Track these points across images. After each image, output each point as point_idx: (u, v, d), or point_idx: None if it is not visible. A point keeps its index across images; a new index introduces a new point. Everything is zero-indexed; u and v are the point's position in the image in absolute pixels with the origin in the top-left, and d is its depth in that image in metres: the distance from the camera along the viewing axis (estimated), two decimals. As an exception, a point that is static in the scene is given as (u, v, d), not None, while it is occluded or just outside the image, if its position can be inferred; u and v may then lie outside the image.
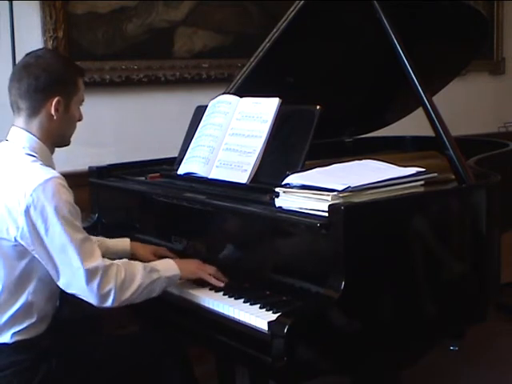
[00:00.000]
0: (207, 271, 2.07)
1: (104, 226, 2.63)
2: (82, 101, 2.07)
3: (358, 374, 1.94)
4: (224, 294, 1.99)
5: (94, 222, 2.66)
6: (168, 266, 2.04)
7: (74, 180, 2.92)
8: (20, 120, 2.00)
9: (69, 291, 1.92)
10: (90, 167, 2.70)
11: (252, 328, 1.80)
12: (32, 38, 3.03)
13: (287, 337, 1.65)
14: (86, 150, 3.12)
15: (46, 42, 3.06)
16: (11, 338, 1.95)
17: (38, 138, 1.99)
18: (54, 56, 2.07)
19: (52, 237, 1.86)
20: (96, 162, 2.78)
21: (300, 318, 1.69)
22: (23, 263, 1.92)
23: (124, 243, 2.34)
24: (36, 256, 1.89)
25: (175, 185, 2.41)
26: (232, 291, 1.99)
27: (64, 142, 2.09)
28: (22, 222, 1.85)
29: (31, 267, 1.93)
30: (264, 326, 1.76)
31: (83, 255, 1.86)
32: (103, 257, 1.93)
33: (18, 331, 1.95)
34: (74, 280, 1.87)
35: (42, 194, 1.85)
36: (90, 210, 2.70)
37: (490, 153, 2.60)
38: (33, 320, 1.96)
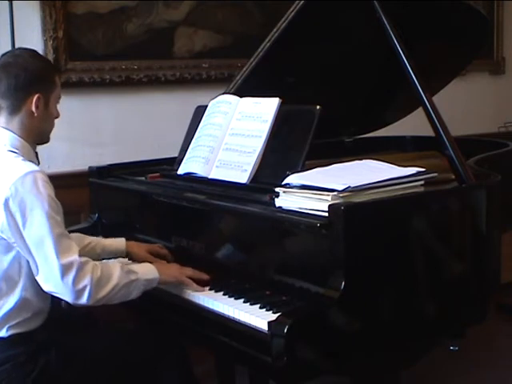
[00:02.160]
0: (187, 274, 2.07)
1: (104, 226, 2.63)
2: (59, 98, 2.13)
3: (358, 373, 1.94)
4: (224, 294, 1.99)
5: (93, 221, 2.66)
6: (147, 269, 2.04)
7: (73, 180, 2.95)
8: (1, 119, 2.04)
9: (46, 288, 1.91)
10: (90, 167, 2.70)
11: (252, 328, 1.80)
12: (32, 38, 3.03)
13: (287, 337, 1.65)
14: (86, 150, 3.13)
15: (46, 41, 3.06)
16: (7, 331, 1.97)
17: (20, 136, 2.03)
18: (31, 55, 2.11)
19: (30, 229, 1.87)
20: (96, 162, 2.78)
21: (300, 318, 1.69)
22: (9, 257, 1.94)
23: (119, 242, 2.35)
24: (18, 250, 1.91)
25: (175, 185, 2.41)
26: (232, 291, 1.99)
27: (43, 139, 2.12)
28: (2, 215, 1.88)
29: (18, 262, 1.94)
30: (264, 326, 1.76)
31: (60, 249, 1.86)
32: (98, 259, 1.98)
33: (13, 325, 1.97)
34: (49, 274, 1.87)
35: (20, 187, 1.87)
36: (90, 210, 2.71)
37: (490, 153, 2.60)
38: (28, 315, 1.99)
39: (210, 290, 2.04)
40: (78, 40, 3.15)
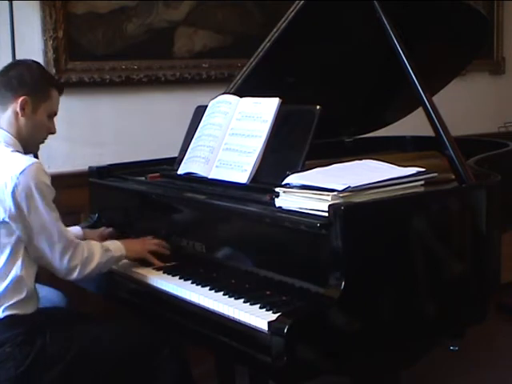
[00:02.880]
0: (150, 249, 2.28)
1: (104, 226, 2.63)
2: (55, 113, 2.23)
3: (358, 373, 1.94)
4: (224, 294, 1.99)
5: (93, 221, 2.67)
6: (116, 247, 2.25)
7: (74, 180, 2.95)
8: None
9: (40, 263, 2.12)
10: (90, 167, 2.70)
11: (252, 328, 1.80)
12: (32, 38, 3.04)
13: (287, 337, 1.65)
14: (86, 150, 3.13)
15: (46, 41, 3.06)
16: (3, 312, 2.05)
17: (9, 133, 2.15)
18: (35, 65, 2.25)
19: (34, 214, 2.05)
20: (96, 162, 2.78)
21: (300, 318, 1.69)
22: (12, 240, 2.06)
23: (76, 232, 2.47)
24: (20, 233, 2.05)
25: (175, 185, 2.41)
26: (232, 291, 1.99)
27: (29, 146, 2.22)
28: (9, 202, 2.03)
29: (19, 245, 2.07)
30: (264, 326, 1.75)
31: (59, 232, 2.09)
32: None
33: (8, 306, 2.06)
34: (50, 255, 2.08)
35: (25, 177, 2.03)
36: (90, 210, 2.71)
37: (490, 153, 2.60)
38: (22, 296, 2.08)
39: (210, 290, 2.03)
40: (78, 40, 3.15)
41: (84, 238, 2.41)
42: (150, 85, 3.34)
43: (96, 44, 3.20)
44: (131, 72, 3.29)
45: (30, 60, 2.28)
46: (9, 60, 2.83)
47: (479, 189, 2.13)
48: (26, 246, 2.07)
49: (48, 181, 2.10)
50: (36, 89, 2.16)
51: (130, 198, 2.56)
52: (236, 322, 1.86)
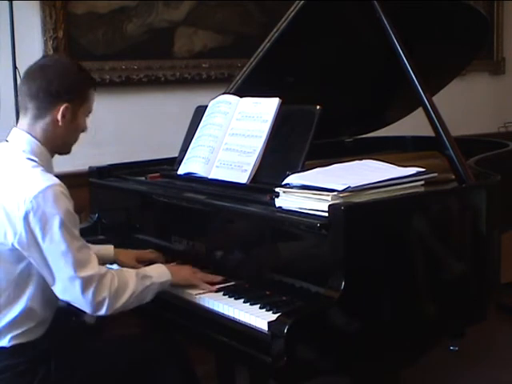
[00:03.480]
0: (198, 277, 2.07)
1: (104, 226, 2.63)
2: (90, 112, 2.07)
3: (358, 373, 1.94)
4: (224, 294, 1.99)
5: (94, 221, 2.66)
6: (160, 272, 2.05)
7: (74, 180, 2.93)
8: (24, 121, 1.99)
9: (63, 298, 1.92)
10: (90, 167, 2.70)
11: (252, 328, 1.80)
12: (32, 38, 3.04)
13: (287, 337, 1.65)
14: (86, 150, 3.11)
15: (46, 41, 3.06)
16: (9, 341, 1.94)
17: (39, 141, 1.97)
18: (71, 63, 2.07)
19: (49, 243, 1.85)
20: (96, 162, 2.77)
21: (300, 318, 1.69)
22: (20, 267, 1.91)
23: (107, 250, 2.31)
24: (32, 261, 1.89)
25: (175, 185, 2.41)
26: (232, 291, 1.99)
27: (65, 149, 2.08)
28: (20, 227, 1.84)
29: (28, 272, 1.92)
30: (264, 326, 1.75)
31: (79, 263, 1.86)
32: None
33: (16, 335, 1.94)
34: (69, 287, 1.87)
35: (42, 201, 1.84)
36: (90, 210, 2.70)
37: (490, 153, 2.60)
38: (32, 325, 1.96)
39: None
40: (77, 40, 3.16)
41: (115, 258, 2.29)
42: (150, 85, 3.34)
43: (96, 44, 3.21)
44: (131, 72, 3.29)
45: (64, 58, 2.08)
46: (9, 60, 2.84)
47: (479, 189, 2.13)
48: (46, 279, 1.89)
49: (70, 206, 1.90)
50: (76, 94, 1.98)
51: (131, 198, 2.55)
52: (236, 322, 1.86)
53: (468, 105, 4.37)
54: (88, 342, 2.12)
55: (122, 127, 3.29)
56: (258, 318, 1.80)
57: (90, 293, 1.86)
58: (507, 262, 2.29)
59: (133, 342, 2.17)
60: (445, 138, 2.15)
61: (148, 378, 2.09)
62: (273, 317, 1.76)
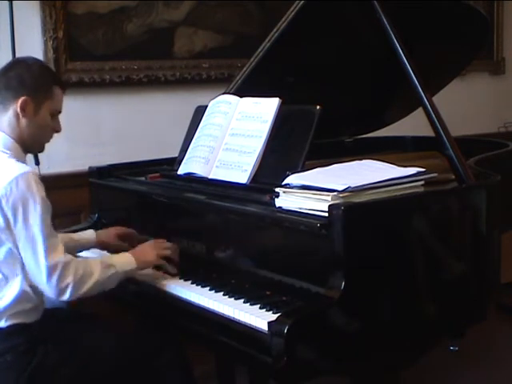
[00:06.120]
0: (163, 254, 2.17)
1: (104, 226, 2.62)
2: (59, 112, 2.15)
3: (358, 373, 1.94)
4: (224, 294, 1.99)
5: (94, 221, 2.66)
6: (124, 261, 2.12)
7: (74, 180, 2.95)
8: None
9: (32, 282, 2.00)
10: (90, 167, 2.70)
11: (252, 328, 1.80)
12: (32, 37, 3.03)
13: (287, 337, 1.65)
14: (86, 150, 3.12)
15: (46, 41, 3.06)
16: (5, 321, 2.01)
17: (10, 136, 2.07)
18: (37, 63, 2.17)
19: (20, 229, 1.94)
20: (96, 162, 2.78)
21: (300, 318, 1.69)
22: (3, 250, 1.98)
23: (89, 235, 2.41)
24: (11, 246, 1.97)
25: (175, 185, 2.41)
26: (232, 291, 1.99)
27: (34, 146, 2.17)
28: None
29: (12, 256, 1.99)
30: (264, 326, 1.75)
31: (47, 250, 1.95)
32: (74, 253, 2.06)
33: (12, 314, 2.01)
34: (35, 272, 1.97)
35: (15, 187, 1.93)
36: (90, 210, 2.71)
37: (490, 153, 2.60)
38: (27, 307, 2.03)
39: (210, 290, 2.03)
40: (77, 40, 3.15)
41: (97, 240, 2.38)
42: (150, 85, 3.34)
43: (96, 44, 3.20)
44: (131, 72, 3.28)
45: (30, 58, 2.19)
46: (9, 60, 2.84)
47: (479, 189, 2.13)
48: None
49: (42, 191, 1.98)
50: (36, 88, 2.07)
51: (131, 198, 2.56)
52: (236, 322, 1.86)
53: (468, 105, 4.36)
54: (85, 331, 2.16)
55: (122, 127, 3.28)
56: (258, 318, 1.80)
57: (54, 279, 1.95)
58: (507, 262, 2.30)
59: (131, 341, 2.17)
60: (445, 138, 2.15)
61: (146, 377, 2.11)
62: (273, 317, 1.76)
